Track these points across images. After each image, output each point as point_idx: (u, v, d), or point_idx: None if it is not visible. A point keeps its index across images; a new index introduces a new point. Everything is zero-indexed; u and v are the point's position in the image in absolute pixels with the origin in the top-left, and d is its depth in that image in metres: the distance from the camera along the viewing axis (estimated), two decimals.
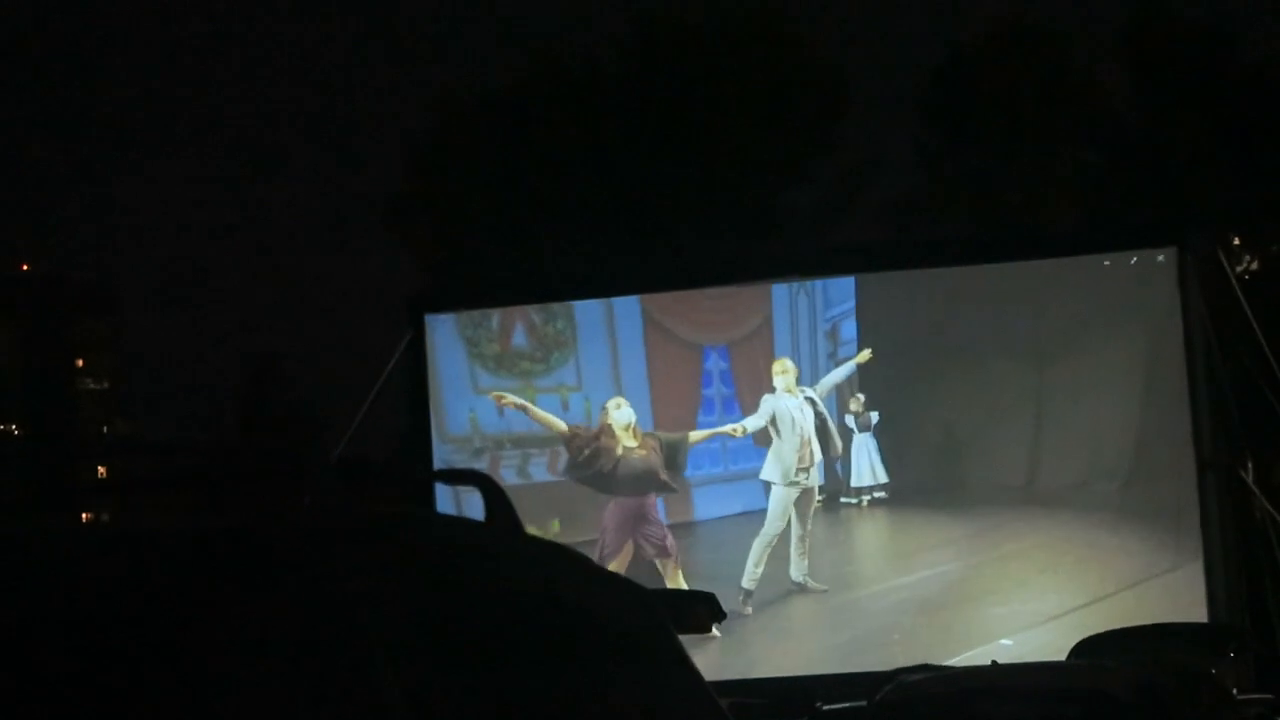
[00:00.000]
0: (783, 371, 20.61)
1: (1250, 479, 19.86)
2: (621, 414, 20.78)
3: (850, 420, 20.75)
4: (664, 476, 20.72)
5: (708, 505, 21.03)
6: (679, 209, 32.06)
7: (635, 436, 20.79)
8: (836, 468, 20.65)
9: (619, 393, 21.05)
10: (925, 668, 10.65)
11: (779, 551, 20.41)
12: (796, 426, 20.40)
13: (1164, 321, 19.82)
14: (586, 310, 21.51)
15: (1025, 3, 32.97)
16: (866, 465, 20.67)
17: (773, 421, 20.44)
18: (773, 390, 20.53)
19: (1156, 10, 31.43)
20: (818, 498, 20.48)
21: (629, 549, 20.55)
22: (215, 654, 2.54)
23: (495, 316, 21.71)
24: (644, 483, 20.77)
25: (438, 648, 2.87)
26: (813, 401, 20.46)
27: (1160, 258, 20.04)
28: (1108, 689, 8.95)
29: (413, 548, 3.08)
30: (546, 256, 31.05)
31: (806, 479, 20.45)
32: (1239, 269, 26.50)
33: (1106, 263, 20.21)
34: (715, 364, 21.19)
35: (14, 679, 2.47)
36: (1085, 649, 14.98)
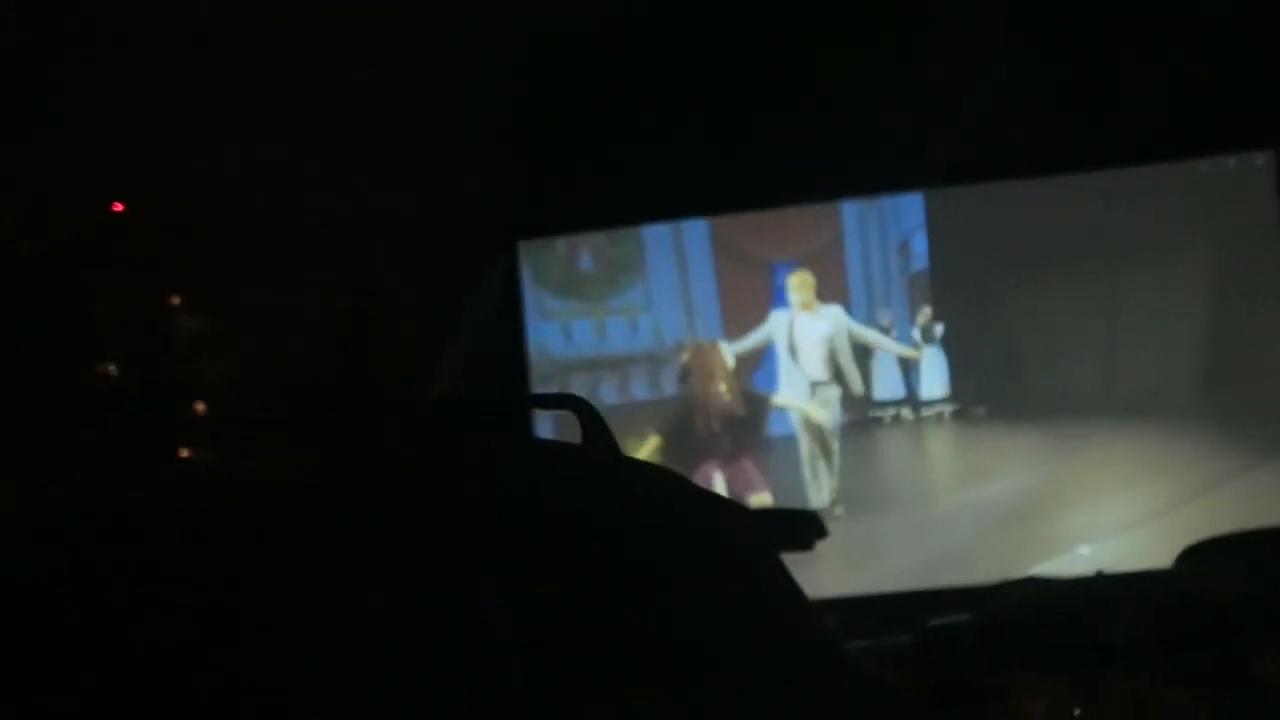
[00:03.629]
0: (800, 286, 20.25)
1: None
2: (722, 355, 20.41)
3: (916, 334, 20.51)
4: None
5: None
6: (758, 124, 31.86)
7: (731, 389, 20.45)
8: (907, 381, 20.44)
9: (689, 312, 20.74)
10: (1031, 581, 10.58)
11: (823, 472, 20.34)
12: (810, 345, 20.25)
13: (1262, 226, 19.53)
14: (654, 231, 21.31)
15: None
16: (936, 378, 20.43)
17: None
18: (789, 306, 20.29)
19: None
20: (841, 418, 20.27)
21: None
22: (324, 588, 2.54)
23: (560, 243, 21.54)
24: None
25: (540, 577, 2.87)
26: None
27: (1259, 160, 19.73)
28: (1217, 597, 8.87)
29: (512, 477, 3.08)
30: (638, 180, 30.94)
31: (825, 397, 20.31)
32: None
33: (1203, 168, 19.93)
34: (786, 281, 20.85)
35: (131, 625, 2.48)
36: (1192, 555, 14.87)
